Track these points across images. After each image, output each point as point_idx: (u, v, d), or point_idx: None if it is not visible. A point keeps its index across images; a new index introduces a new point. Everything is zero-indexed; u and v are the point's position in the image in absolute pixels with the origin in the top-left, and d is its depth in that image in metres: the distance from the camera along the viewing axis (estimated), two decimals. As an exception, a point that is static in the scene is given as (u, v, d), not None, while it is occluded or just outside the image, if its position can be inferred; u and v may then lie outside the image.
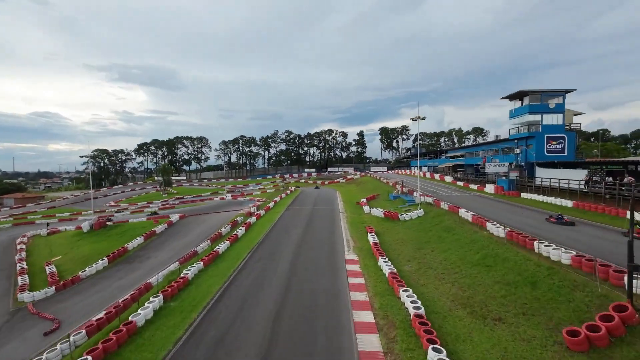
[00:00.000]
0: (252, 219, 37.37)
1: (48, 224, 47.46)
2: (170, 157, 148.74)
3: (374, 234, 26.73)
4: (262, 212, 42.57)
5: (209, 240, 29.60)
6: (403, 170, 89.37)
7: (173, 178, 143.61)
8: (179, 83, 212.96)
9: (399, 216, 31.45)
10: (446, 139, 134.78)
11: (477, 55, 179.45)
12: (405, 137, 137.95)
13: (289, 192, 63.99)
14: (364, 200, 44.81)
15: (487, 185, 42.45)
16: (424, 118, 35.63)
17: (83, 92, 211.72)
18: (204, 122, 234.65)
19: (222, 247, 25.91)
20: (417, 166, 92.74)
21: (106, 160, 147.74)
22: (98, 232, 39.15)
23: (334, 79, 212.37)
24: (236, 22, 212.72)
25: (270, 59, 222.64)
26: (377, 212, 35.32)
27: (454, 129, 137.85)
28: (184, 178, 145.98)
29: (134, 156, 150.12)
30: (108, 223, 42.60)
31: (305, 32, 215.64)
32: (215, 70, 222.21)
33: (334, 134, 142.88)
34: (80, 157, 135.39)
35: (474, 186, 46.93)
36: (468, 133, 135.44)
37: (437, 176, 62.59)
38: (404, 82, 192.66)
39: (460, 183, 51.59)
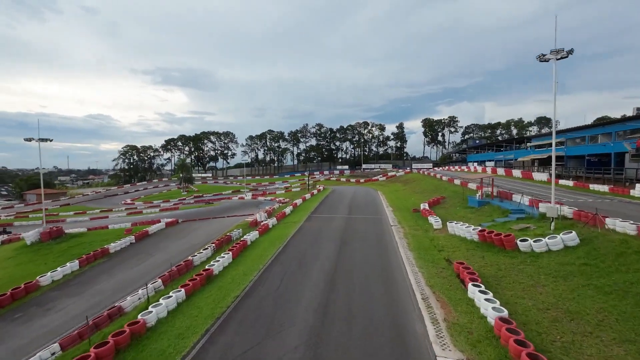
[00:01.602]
0: (252, 236, 23.29)
1: (5, 230, 37.00)
2: (196, 153, 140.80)
3: (480, 286, 11.54)
4: (272, 221, 28.55)
5: (159, 281, 16.00)
6: (456, 167, 71.76)
7: (197, 175, 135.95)
8: (215, 83, 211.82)
9: (517, 243, 15.81)
10: (503, 131, 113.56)
11: (519, 46, 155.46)
12: (453, 129, 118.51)
13: (316, 191, 49.73)
14: (425, 206, 29.28)
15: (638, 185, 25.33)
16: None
17: (130, 94, 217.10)
18: (237, 120, 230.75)
19: (159, 310, 12.05)
20: (476, 162, 74.93)
21: (135, 157, 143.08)
22: (43, 246, 27.34)
23: (365, 75, 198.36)
24: (268, 20, 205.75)
25: (301, 56, 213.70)
26: (460, 228, 19.76)
27: (513, 120, 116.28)
28: (210, 175, 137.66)
29: (161, 152, 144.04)
30: (69, 231, 30.85)
31: (336, 27, 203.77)
32: (248, 69, 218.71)
33: (369, 127, 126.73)
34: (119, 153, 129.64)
35: (598, 187, 29.65)
36: (530, 124, 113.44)
37: (516, 173, 45.15)
38: (439, 77, 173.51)
39: (567, 182, 34.13)
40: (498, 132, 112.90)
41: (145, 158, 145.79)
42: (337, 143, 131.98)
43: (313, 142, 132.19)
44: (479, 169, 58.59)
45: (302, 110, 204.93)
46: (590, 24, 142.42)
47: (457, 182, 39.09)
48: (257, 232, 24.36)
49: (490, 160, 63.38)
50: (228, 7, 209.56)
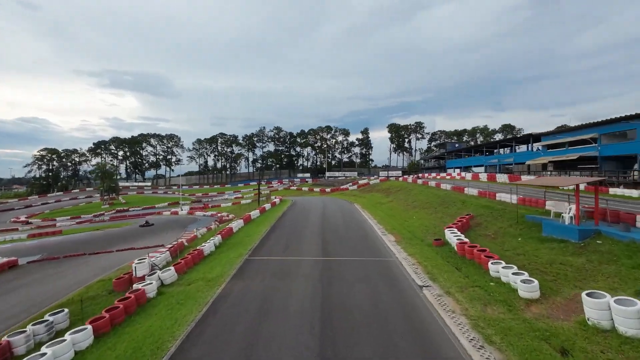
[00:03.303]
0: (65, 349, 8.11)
1: None
2: (133, 158, 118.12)
3: None
4: (168, 275, 13.35)
5: None
6: (433, 174, 61.20)
7: (133, 184, 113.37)
8: (172, 90, 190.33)
9: None
10: (469, 138, 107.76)
11: (466, 67, 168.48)
12: (420, 135, 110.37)
13: (269, 205, 34.73)
14: (457, 233, 16.01)
15: None
16: None
17: (73, 98, 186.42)
18: (195, 129, 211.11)
19: None
20: (458, 168, 64.06)
21: (55, 163, 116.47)
22: None
23: (326, 88, 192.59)
24: (231, 32, 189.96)
25: (264, 67, 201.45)
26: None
27: (478, 127, 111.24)
28: (149, 184, 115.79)
29: (89, 157, 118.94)
30: None
31: (299, 41, 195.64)
32: (209, 78, 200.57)
33: (332, 132, 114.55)
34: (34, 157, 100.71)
35: None
36: (495, 132, 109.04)
37: (531, 180, 34.34)
38: (396, 92, 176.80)
39: (618, 190, 23.02)
40: (464, 139, 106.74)
41: (69, 164, 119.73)
42: (298, 149, 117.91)
43: (271, 147, 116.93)
44: (468, 175, 47.81)
45: (263, 119, 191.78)
46: (522, 51, 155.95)
47: (471, 191, 26.74)
48: (133, 303, 9.13)
49: (478, 166, 53.39)
50: (190, 16, 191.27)
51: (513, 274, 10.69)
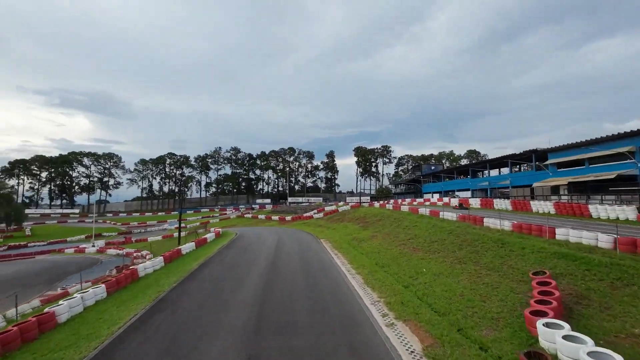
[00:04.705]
0: None
1: None
2: (59, 180, 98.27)
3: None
4: None
5: None
6: (407, 200, 52.93)
7: (56, 211, 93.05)
8: (129, 111, 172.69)
9: None
10: (435, 162, 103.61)
11: (420, 101, 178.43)
12: (387, 159, 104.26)
13: (188, 247, 22.87)
14: (585, 343, 6.00)
15: None
16: None
17: (13, 116, 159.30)
18: (152, 152, 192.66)
19: None
20: (436, 192, 49.14)
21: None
22: None
23: (290, 114, 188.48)
24: (193, 56, 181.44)
25: (226, 92, 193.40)
26: None
27: (444, 152, 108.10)
28: (77, 211, 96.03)
29: (2, 178, 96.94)
30: None
31: (261, 69, 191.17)
32: (169, 100, 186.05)
33: (296, 154, 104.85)
34: None
35: None
36: (460, 157, 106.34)
37: (538, 207, 26.39)
38: (357, 121, 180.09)
39: None
40: (432, 162, 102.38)
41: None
42: (258, 172, 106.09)
43: (228, 170, 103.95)
44: (454, 201, 39.63)
45: (224, 143, 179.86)
46: (469, 89, 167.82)
47: (491, 223, 17.40)
48: None
49: (463, 190, 45.71)
50: (150, 38, 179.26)
51: None
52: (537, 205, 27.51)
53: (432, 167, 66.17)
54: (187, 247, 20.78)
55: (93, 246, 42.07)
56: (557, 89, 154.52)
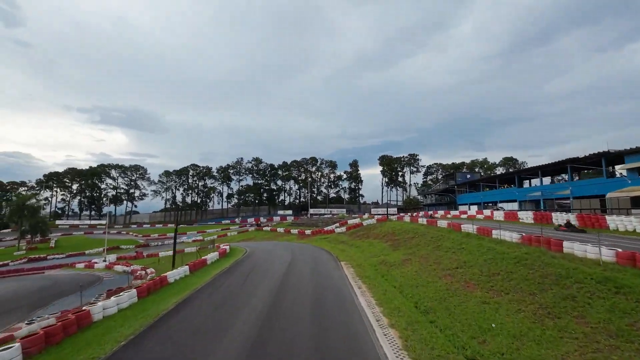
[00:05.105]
0: None
1: None
2: (89, 192, 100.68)
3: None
4: None
5: None
6: (440, 212, 47.02)
7: (84, 222, 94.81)
8: (161, 126, 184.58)
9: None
10: (466, 171, 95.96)
11: (445, 109, 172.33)
12: (414, 168, 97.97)
13: (179, 273, 19.20)
14: None
15: None
16: None
17: (60, 133, 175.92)
18: (182, 164, 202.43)
19: None
20: (474, 204, 41.41)
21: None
22: None
23: (314, 126, 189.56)
24: (222, 72, 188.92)
25: (252, 105, 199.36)
26: None
27: (477, 160, 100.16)
28: (104, 222, 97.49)
29: (38, 190, 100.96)
30: None
31: (286, 82, 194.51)
32: (197, 115, 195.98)
33: (318, 164, 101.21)
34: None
35: None
36: (495, 165, 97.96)
37: (617, 223, 20.51)
38: (380, 131, 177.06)
39: None
40: (464, 171, 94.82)
41: (14, 198, 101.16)
42: (280, 182, 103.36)
43: (249, 181, 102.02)
44: (498, 214, 33.67)
45: (250, 155, 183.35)
46: (498, 95, 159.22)
47: (605, 253, 12.26)
48: None
49: (507, 201, 39.40)
50: (180, 56, 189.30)
51: None
52: (615, 221, 21.57)
53: (468, 176, 59.58)
54: (177, 272, 17.07)
55: (104, 261, 40.00)
56: (594, 93, 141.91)
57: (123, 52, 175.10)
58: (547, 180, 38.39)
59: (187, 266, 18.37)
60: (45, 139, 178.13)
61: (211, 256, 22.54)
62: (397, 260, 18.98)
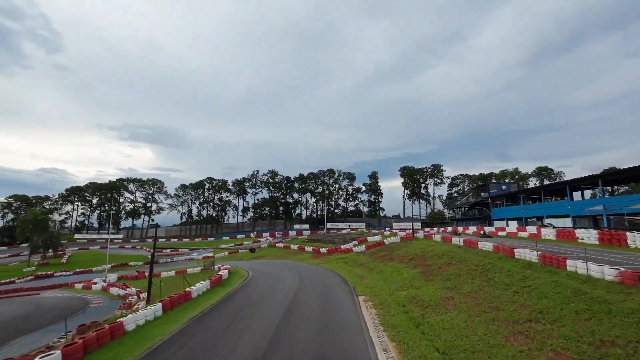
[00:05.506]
0: None
1: None
2: (108, 205, 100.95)
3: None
4: None
5: None
6: (473, 228, 41.08)
7: (101, 236, 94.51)
8: (185, 141, 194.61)
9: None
10: (498, 182, 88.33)
11: (467, 120, 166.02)
12: (438, 180, 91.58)
13: (197, 287, 15.25)
14: None
15: None
16: None
17: (92, 150, 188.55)
18: (205, 178, 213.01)
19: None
20: (514, 219, 35.79)
21: (23, 211, 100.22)
22: None
23: (333, 139, 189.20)
24: (242, 89, 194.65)
25: (272, 120, 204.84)
26: None
27: (507, 170, 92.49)
28: (120, 236, 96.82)
29: (60, 204, 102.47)
30: None
31: (306, 97, 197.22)
32: (219, 130, 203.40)
33: (335, 176, 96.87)
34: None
35: None
36: (528, 176, 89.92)
37: None
38: (400, 144, 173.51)
39: None
40: (494, 182, 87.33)
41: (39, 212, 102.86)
42: (296, 195, 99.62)
43: (265, 194, 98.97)
44: (548, 232, 27.94)
45: (270, 169, 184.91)
46: (523, 105, 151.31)
47: None
48: None
49: (559, 216, 33.21)
50: (203, 76, 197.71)
51: None
52: None
53: (504, 187, 53.01)
54: (144, 314, 13.01)
55: (104, 281, 37.07)
56: (628, 100, 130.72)
57: (151, 73, 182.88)
58: (585, 192, 32.11)
59: (160, 304, 14.28)
60: (80, 155, 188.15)
61: (198, 287, 18.45)
62: (434, 298, 14.11)
